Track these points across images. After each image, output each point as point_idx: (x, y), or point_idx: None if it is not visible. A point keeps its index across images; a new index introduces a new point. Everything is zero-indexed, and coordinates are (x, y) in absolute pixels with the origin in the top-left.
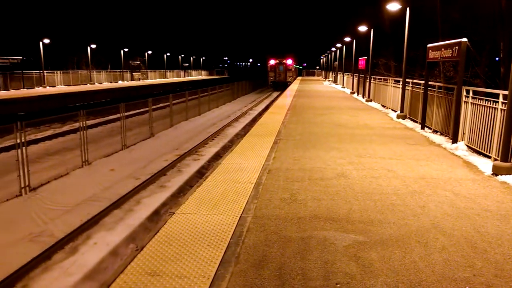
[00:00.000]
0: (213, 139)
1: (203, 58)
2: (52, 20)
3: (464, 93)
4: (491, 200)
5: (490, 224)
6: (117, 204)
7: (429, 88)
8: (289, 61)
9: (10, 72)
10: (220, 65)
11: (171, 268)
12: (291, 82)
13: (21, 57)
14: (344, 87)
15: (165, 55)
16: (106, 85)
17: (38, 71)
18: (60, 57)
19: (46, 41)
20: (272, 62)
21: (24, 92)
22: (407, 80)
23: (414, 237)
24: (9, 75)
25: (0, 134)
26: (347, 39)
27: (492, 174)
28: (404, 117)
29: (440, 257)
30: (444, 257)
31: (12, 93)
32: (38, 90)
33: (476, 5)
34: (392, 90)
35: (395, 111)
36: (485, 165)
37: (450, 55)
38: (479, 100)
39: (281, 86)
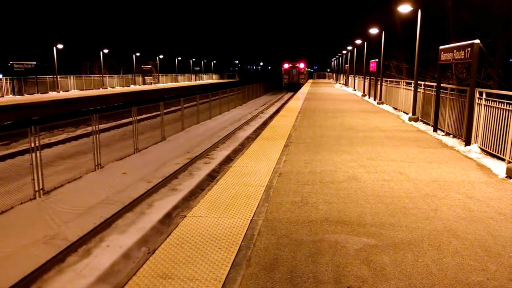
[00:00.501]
0: (224, 143)
1: (214, 62)
2: (65, 26)
3: (477, 95)
4: (505, 203)
5: (504, 227)
6: (129, 207)
7: (441, 90)
8: (302, 65)
9: (25, 77)
10: (231, 68)
11: (183, 271)
12: (303, 84)
13: (35, 63)
14: (355, 90)
15: (176, 59)
16: (119, 89)
17: (51, 76)
18: (73, 61)
19: (60, 46)
20: (286, 66)
21: (38, 97)
22: (419, 82)
23: (426, 240)
24: (23, 80)
25: (15, 138)
26: (358, 41)
27: (506, 177)
28: (416, 120)
29: (453, 261)
30: (457, 261)
31: (26, 98)
32: (52, 95)
33: (489, 7)
34: (404, 93)
35: (407, 114)
36: (499, 167)
37: (462, 57)
38: (493, 102)
39: (294, 87)
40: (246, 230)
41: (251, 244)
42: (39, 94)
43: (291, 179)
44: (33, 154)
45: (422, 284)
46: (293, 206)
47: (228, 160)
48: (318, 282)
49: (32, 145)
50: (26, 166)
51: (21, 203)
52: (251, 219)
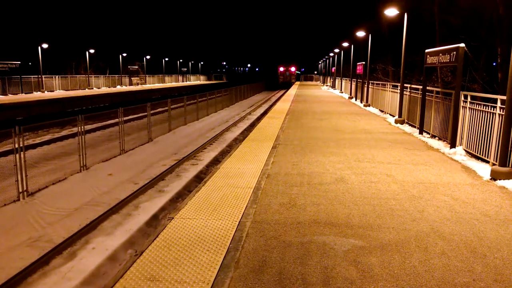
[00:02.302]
0: (211, 144)
1: (202, 63)
2: (51, 25)
3: (462, 98)
4: (490, 205)
5: (489, 228)
6: (115, 209)
7: (427, 93)
8: (293, 69)
9: (9, 77)
10: (219, 70)
11: (171, 273)
12: (293, 82)
13: (19, 62)
14: (342, 92)
15: (163, 60)
16: (105, 90)
17: (36, 76)
18: (59, 61)
19: (45, 45)
20: (281, 69)
21: (22, 97)
22: (405, 85)
23: (413, 242)
24: (7, 80)
25: None
26: (345, 44)
27: (491, 179)
28: (402, 122)
29: (440, 262)
30: (444, 262)
31: (10, 98)
32: (36, 95)
33: (474, 11)
34: (390, 95)
35: (393, 116)
36: (484, 170)
37: (448, 60)
38: (477, 105)
39: (287, 84)
40: (234, 232)
41: (239, 246)
42: (23, 94)
43: (279, 180)
44: (17, 155)
45: (410, 285)
46: (281, 207)
47: (216, 161)
48: (306, 284)
49: (16, 146)
50: (10, 167)
51: (5, 205)
52: (239, 221)
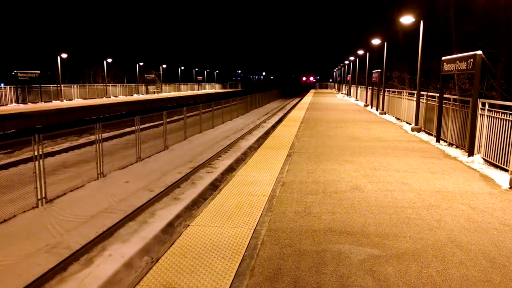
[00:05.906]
0: (226, 152)
1: (217, 71)
2: (70, 35)
3: (480, 106)
4: (509, 214)
5: (508, 238)
6: (131, 216)
7: (444, 101)
8: (311, 78)
9: (29, 86)
10: (234, 78)
11: (186, 281)
12: (311, 88)
13: (39, 71)
14: (357, 100)
15: (179, 69)
16: (122, 98)
17: (55, 85)
18: (77, 70)
19: (64, 55)
20: (304, 78)
21: (41, 106)
22: (422, 92)
23: (430, 251)
24: (27, 89)
25: (18, 146)
26: (361, 52)
27: (510, 188)
28: (418, 130)
29: (458, 272)
30: (462, 272)
31: (30, 107)
32: (55, 104)
33: (490, 17)
34: (407, 103)
35: (410, 124)
36: (503, 178)
37: (465, 68)
38: (496, 113)
39: (308, 88)
40: (250, 240)
41: (254, 253)
42: (42, 103)
43: (294, 188)
44: (36, 163)
45: None
46: (296, 216)
47: (231, 169)
48: None
49: (36, 153)
50: (29, 175)
51: (24, 211)
52: (254, 229)
